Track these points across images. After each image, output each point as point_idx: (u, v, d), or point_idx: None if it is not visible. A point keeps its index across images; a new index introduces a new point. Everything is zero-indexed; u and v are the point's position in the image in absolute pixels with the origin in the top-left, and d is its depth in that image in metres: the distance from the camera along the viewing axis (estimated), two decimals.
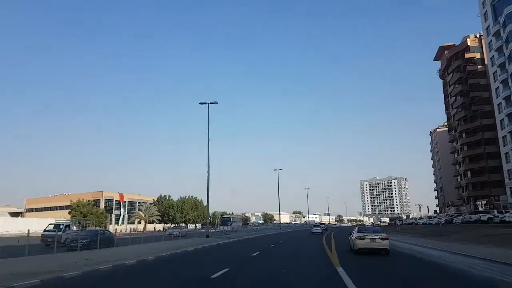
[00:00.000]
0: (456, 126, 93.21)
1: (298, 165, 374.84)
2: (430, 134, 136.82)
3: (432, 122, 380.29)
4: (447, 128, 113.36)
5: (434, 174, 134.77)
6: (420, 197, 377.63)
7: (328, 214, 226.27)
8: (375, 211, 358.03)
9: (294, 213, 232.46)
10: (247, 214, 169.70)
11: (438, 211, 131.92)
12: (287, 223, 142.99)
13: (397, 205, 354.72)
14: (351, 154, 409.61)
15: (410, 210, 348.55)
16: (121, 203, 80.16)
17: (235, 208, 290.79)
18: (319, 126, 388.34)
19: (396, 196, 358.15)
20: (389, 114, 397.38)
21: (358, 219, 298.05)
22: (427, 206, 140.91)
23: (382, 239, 18.43)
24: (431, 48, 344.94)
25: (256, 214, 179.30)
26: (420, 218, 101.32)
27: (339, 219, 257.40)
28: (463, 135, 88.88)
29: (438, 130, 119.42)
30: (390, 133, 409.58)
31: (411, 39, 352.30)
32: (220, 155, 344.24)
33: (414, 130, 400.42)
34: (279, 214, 74.98)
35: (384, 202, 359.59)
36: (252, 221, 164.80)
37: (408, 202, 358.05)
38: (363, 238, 18.60)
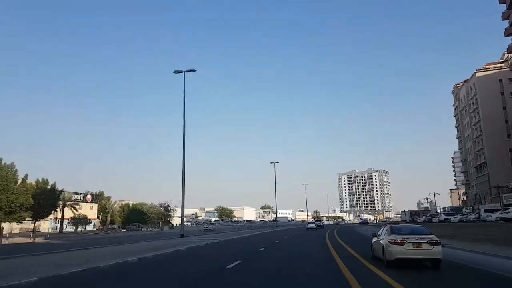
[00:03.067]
0: None
1: (270, 157, 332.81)
2: (452, 92, 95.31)
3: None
4: (499, 70, 71.99)
5: (460, 149, 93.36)
6: (403, 192, 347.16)
7: (302, 211, 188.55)
8: (353, 207, 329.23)
9: (262, 208, 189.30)
10: (196, 211, 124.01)
11: (466, 202, 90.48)
12: (246, 221, 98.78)
13: (377, 200, 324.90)
14: (330, 146, 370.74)
15: (391, 206, 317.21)
16: None
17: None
18: (293, 114, 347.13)
19: (377, 191, 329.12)
20: (374, 100, 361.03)
21: (338, 215, 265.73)
22: (450, 198, 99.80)
23: (432, 243, 12.00)
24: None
25: (207, 209, 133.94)
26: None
27: (316, 215, 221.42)
28: None
29: (477, 75, 76.92)
30: (373, 122, 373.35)
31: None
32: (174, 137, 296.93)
33: (402, 121, 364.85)
34: (183, 186, 27.34)
35: (363, 197, 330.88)
36: (201, 218, 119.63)
37: (390, 197, 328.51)
38: (401, 243, 12.14)
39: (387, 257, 12.69)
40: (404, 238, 12.24)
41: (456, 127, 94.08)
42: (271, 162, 71.90)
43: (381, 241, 13.78)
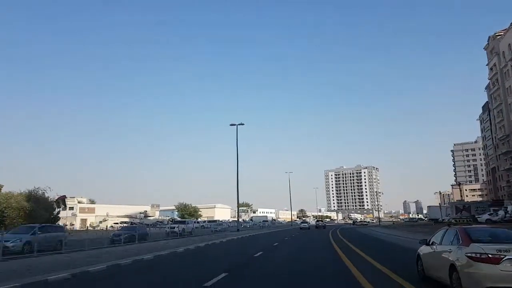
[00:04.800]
0: None
1: (252, 152, 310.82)
2: (485, 48, 70.98)
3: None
4: None
5: (499, 122, 68.66)
6: (390, 192, 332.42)
7: (287, 210, 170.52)
8: (341, 206, 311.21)
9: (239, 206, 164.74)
10: (147, 208, 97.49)
11: (510, 195, 66.62)
12: (209, 221, 74.16)
13: (367, 198, 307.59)
14: (318, 144, 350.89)
15: (381, 206, 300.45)
16: None
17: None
18: (276, 107, 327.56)
19: (366, 188, 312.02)
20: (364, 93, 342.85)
21: (325, 215, 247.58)
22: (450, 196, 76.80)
23: None
24: None
25: (163, 208, 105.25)
26: None
27: (302, 214, 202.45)
28: None
29: None
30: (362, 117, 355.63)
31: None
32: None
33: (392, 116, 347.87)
34: None
35: (352, 196, 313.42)
36: (153, 218, 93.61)
37: (380, 196, 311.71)
38: (497, 261, 6.47)
39: (465, 284, 6.78)
40: (499, 252, 6.50)
41: (491, 94, 69.74)
42: (231, 124, 45.59)
43: (444, 255, 8.10)
